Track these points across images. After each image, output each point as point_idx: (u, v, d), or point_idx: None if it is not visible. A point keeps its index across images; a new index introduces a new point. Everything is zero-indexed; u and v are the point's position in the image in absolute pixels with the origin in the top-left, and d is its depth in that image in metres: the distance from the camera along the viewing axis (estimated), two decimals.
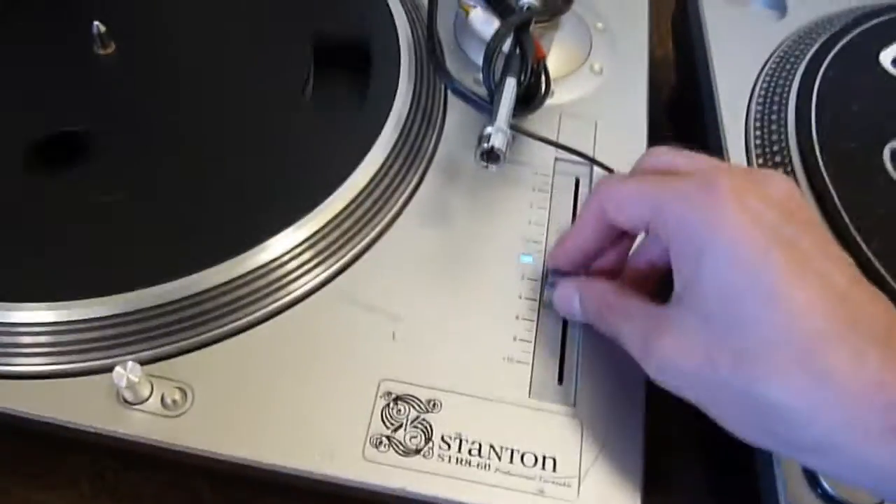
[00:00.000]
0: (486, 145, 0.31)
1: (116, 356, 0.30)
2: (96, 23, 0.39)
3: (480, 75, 0.40)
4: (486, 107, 0.36)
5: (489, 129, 0.31)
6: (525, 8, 0.37)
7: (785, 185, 0.26)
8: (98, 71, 0.39)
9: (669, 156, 0.30)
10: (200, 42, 0.42)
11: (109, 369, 0.29)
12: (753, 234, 0.24)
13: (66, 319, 0.31)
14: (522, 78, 0.35)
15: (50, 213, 0.34)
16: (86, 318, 0.31)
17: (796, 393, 0.23)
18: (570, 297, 0.32)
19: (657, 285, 0.30)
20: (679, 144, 0.31)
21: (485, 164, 0.32)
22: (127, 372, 0.29)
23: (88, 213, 0.34)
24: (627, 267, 0.32)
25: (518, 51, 0.35)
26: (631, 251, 0.32)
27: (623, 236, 0.31)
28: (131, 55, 0.40)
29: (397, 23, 0.41)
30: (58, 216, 0.34)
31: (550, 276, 0.33)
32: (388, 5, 0.42)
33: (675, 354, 0.26)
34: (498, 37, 0.35)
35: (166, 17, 0.43)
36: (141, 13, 0.42)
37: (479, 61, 0.40)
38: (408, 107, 0.37)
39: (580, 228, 0.31)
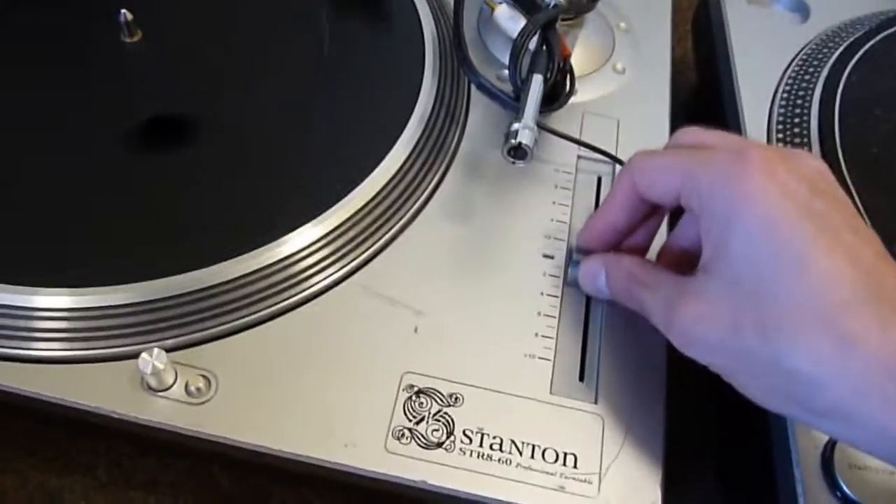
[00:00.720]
0: (513, 141, 0.31)
1: (140, 343, 0.30)
2: (123, 11, 0.39)
3: (504, 71, 0.40)
4: (511, 103, 0.36)
5: (516, 126, 0.31)
6: (552, 5, 0.37)
7: (815, 163, 0.27)
8: (126, 59, 0.39)
9: (700, 133, 0.30)
10: (225, 31, 0.42)
11: (133, 356, 0.30)
12: (784, 205, 0.25)
13: (89, 305, 0.31)
14: (548, 75, 0.35)
15: (75, 200, 0.34)
16: (109, 304, 0.31)
17: (819, 359, 0.23)
18: (596, 273, 0.32)
19: (691, 269, 0.30)
20: None
21: (512, 160, 0.32)
22: (153, 359, 0.29)
23: (113, 202, 0.34)
24: (662, 252, 0.32)
25: (545, 48, 0.35)
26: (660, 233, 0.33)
27: (652, 215, 0.32)
28: (158, 43, 0.40)
29: (422, 19, 0.41)
30: (83, 204, 0.34)
31: (575, 255, 0.33)
32: (412, 1, 0.42)
33: (700, 321, 0.26)
34: (525, 34, 0.35)
35: (191, 4, 0.43)
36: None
37: (503, 57, 0.41)
38: (432, 102, 0.38)
39: (610, 204, 0.31)
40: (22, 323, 0.31)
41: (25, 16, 0.41)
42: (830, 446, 0.29)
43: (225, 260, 0.32)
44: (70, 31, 0.41)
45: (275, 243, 0.32)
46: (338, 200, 0.34)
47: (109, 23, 0.39)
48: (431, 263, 0.34)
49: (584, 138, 0.38)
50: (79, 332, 0.31)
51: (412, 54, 0.40)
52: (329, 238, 0.33)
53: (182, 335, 0.31)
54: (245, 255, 0.32)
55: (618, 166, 0.38)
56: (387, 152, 0.35)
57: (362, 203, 0.34)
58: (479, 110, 0.40)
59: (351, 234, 0.33)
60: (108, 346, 0.31)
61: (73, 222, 0.33)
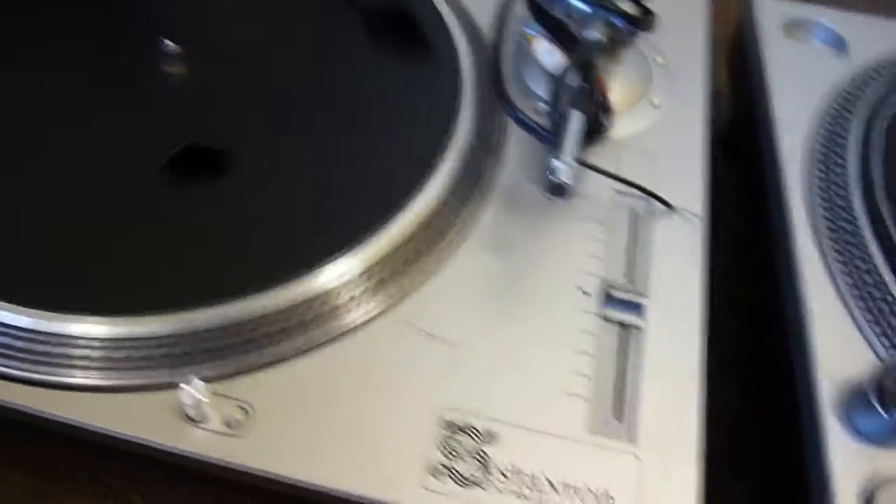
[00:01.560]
0: (553, 179, 0.31)
1: (176, 374, 0.31)
2: (166, 41, 0.39)
3: (539, 104, 0.40)
4: (549, 137, 0.36)
5: (557, 163, 0.32)
6: (591, 41, 0.37)
7: None
8: (169, 89, 0.40)
9: None
10: (264, 62, 0.42)
11: (169, 386, 0.30)
12: None
13: (125, 335, 0.31)
14: (588, 112, 0.35)
15: (112, 228, 0.35)
16: (145, 334, 0.31)
17: None
18: None
19: None
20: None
21: (552, 197, 0.32)
22: (193, 389, 0.29)
23: (149, 231, 0.35)
24: None
25: (584, 85, 0.35)
26: None
27: None
28: (199, 74, 0.41)
29: (459, 51, 0.41)
30: (120, 232, 0.35)
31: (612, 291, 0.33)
32: (449, 33, 0.42)
33: None
34: (566, 71, 0.35)
35: (235, 37, 0.43)
36: (210, 31, 0.43)
37: (539, 90, 0.41)
38: (469, 134, 0.38)
39: None
40: (58, 350, 0.31)
41: (75, 38, 0.42)
42: (872, 491, 0.29)
43: (262, 292, 0.32)
44: (114, 57, 0.41)
45: (312, 276, 0.33)
46: (376, 233, 0.34)
47: (154, 51, 0.40)
48: (469, 297, 0.34)
49: (620, 172, 0.38)
50: (114, 360, 0.31)
51: (449, 85, 0.40)
52: (366, 271, 0.33)
53: (219, 366, 0.31)
54: (282, 288, 0.32)
55: (653, 201, 0.38)
56: (424, 184, 0.36)
57: (400, 236, 0.34)
58: (516, 141, 0.40)
59: (389, 267, 0.34)
60: (144, 376, 0.31)
61: (110, 250, 0.34)
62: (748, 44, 0.48)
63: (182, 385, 0.29)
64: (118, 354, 0.31)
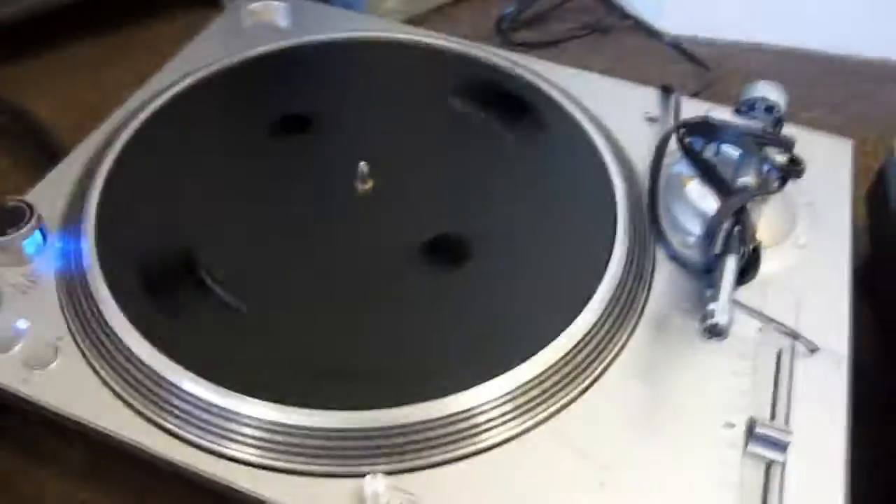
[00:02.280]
0: (712, 322, 0.34)
1: (359, 465, 0.35)
2: (362, 162, 0.45)
3: (687, 238, 0.43)
4: (701, 273, 0.39)
5: (714, 307, 0.34)
6: (744, 188, 0.40)
7: None
8: (353, 204, 0.46)
9: None
10: (436, 191, 0.47)
11: (348, 475, 0.34)
12: None
13: (324, 427, 0.36)
14: (740, 254, 0.37)
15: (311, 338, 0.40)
16: (336, 427, 0.36)
17: None
18: None
19: None
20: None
21: (709, 337, 0.34)
22: (376, 483, 0.33)
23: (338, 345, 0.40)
24: None
25: (738, 228, 0.38)
26: None
27: None
28: (385, 194, 0.46)
29: (615, 186, 0.45)
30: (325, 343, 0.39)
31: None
32: (606, 169, 0.46)
33: None
34: (720, 217, 0.38)
35: (420, 165, 0.48)
36: (401, 159, 0.48)
37: (688, 225, 0.44)
38: (622, 266, 0.41)
39: None
40: (266, 436, 0.36)
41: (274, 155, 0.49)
42: None
43: (436, 398, 0.36)
44: (310, 174, 0.47)
45: (475, 391, 0.36)
46: (535, 352, 0.37)
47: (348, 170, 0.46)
48: (615, 421, 0.37)
49: (765, 311, 0.40)
50: (309, 448, 0.35)
51: (604, 217, 0.44)
52: (521, 389, 0.37)
53: (392, 462, 0.35)
54: (449, 399, 0.36)
55: (797, 342, 0.40)
56: (580, 311, 0.39)
57: (556, 357, 0.37)
58: (664, 272, 0.43)
59: (540, 388, 0.37)
60: (332, 465, 0.35)
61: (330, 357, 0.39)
62: (888, 186, 0.49)
63: (369, 476, 0.33)
64: (313, 443, 0.35)
